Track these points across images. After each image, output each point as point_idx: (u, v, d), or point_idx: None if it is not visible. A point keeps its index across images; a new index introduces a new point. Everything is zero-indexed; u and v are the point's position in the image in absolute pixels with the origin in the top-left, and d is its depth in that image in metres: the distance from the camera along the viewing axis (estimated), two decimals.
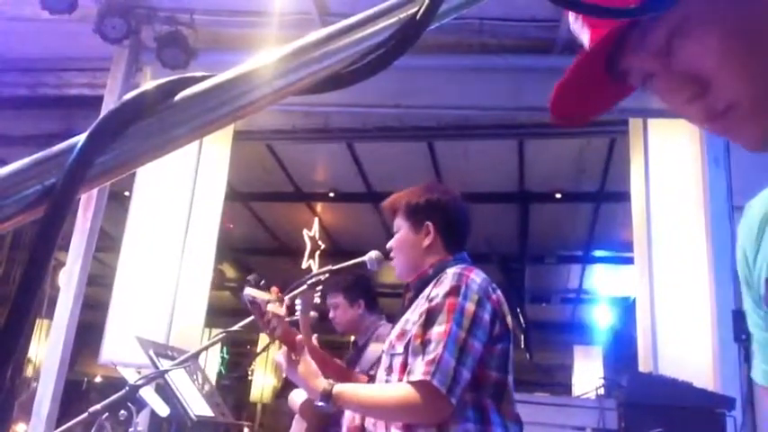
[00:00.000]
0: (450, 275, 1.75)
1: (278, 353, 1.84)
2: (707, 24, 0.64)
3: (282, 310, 1.63)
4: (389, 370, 1.78)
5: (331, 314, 3.20)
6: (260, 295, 1.62)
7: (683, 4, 0.62)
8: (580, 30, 0.72)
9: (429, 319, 1.70)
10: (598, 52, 0.68)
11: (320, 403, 1.64)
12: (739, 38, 0.65)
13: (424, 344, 1.67)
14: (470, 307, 1.69)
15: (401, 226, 1.96)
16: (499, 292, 1.80)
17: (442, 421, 1.65)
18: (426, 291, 1.80)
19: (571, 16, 0.73)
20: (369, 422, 1.84)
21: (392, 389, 1.69)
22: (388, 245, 1.99)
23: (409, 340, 1.72)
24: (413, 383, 1.63)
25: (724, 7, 0.65)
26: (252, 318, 1.87)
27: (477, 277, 1.76)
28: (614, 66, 0.70)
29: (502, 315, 1.77)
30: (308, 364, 1.71)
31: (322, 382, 1.71)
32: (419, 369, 1.63)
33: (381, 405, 1.68)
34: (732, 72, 0.64)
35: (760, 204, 0.87)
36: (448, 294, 1.70)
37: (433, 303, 1.71)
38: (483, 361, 1.68)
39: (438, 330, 1.66)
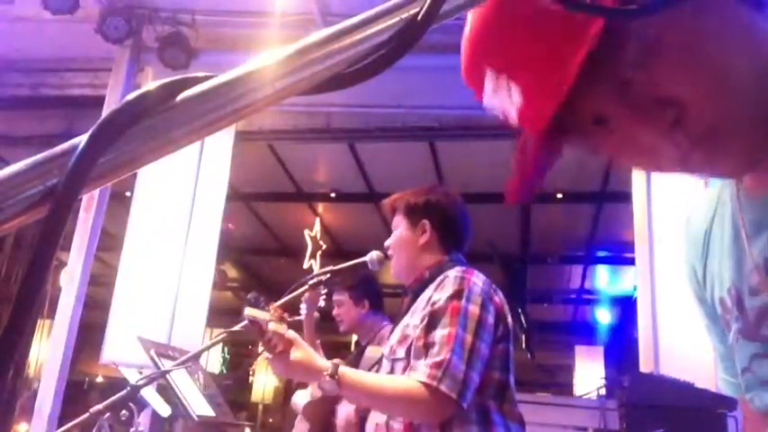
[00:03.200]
0: (451, 279, 1.75)
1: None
2: (683, 43, 0.61)
3: (284, 329, 1.63)
4: (391, 374, 1.77)
5: (335, 311, 3.20)
6: (260, 315, 1.63)
7: (653, 24, 0.59)
8: (506, 100, 0.62)
9: (431, 321, 1.68)
10: (555, 105, 0.59)
11: (327, 379, 1.60)
12: (714, 56, 0.61)
13: (427, 346, 1.65)
14: (475, 310, 1.69)
15: (399, 224, 1.97)
16: (500, 292, 1.80)
17: (444, 423, 1.64)
18: (426, 294, 1.79)
19: (488, 88, 0.63)
20: (369, 427, 1.82)
21: (400, 381, 1.67)
22: (386, 243, 2.00)
23: (411, 344, 1.71)
24: (420, 383, 1.60)
25: (696, 26, 0.61)
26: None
27: (478, 280, 1.76)
28: (560, 121, 0.61)
29: (504, 316, 1.77)
30: (304, 348, 1.65)
31: (326, 361, 1.67)
32: (423, 371, 1.61)
33: (385, 393, 1.65)
34: (710, 92, 0.61)
35: (699, 218, 0.84)
36: (451, 298, 1.69)
37: (436, 306, 1.70)
38: (487, 362, 1.68)
39: (442, 333, 1.64)
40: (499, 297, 1.78)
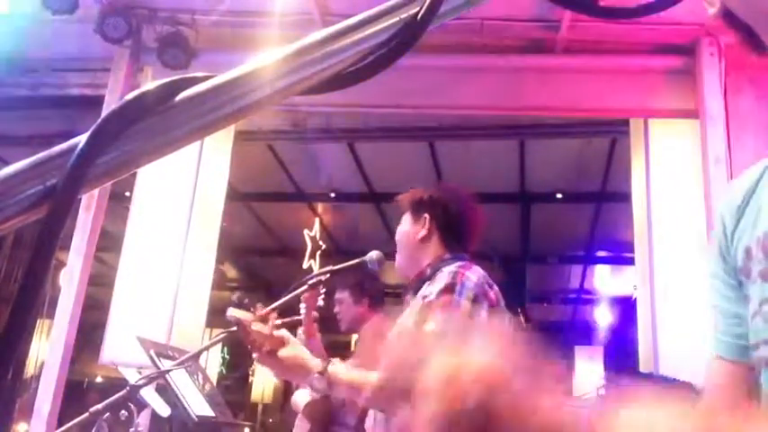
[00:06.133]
0: (445, 273, 1.74)
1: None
2: None
3: (267, 329, 1.64)
4: None
5: (336, 309, 3.21)
6: (243, 316, 1.65)
7: None
8: None
9: (423, 316, 1.67)
10: None
11: (317, 377, 1.61)
12: None
13: None
14: (466, 304, 1.67)
15: (405, 220, 1.98)
16: (496, 288, 1.78)
17: None
18: (422, 290, 1.79)
19: None
20: (368, 423, 1.82)
21: None
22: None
23: None
24: None
25: None
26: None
27: (472, 275, 1.74)
28: None
29: (497, 312, 1.75)
30: (295, 347, 1.67)
31: (317, 360, 1.67)
32: None
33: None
34: None
35: (745, 180, 0.87)
36: (442, 292, 1.69)
37: (427, 300, 1.70)
38: None
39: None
40: (494, 292, 1.76)
